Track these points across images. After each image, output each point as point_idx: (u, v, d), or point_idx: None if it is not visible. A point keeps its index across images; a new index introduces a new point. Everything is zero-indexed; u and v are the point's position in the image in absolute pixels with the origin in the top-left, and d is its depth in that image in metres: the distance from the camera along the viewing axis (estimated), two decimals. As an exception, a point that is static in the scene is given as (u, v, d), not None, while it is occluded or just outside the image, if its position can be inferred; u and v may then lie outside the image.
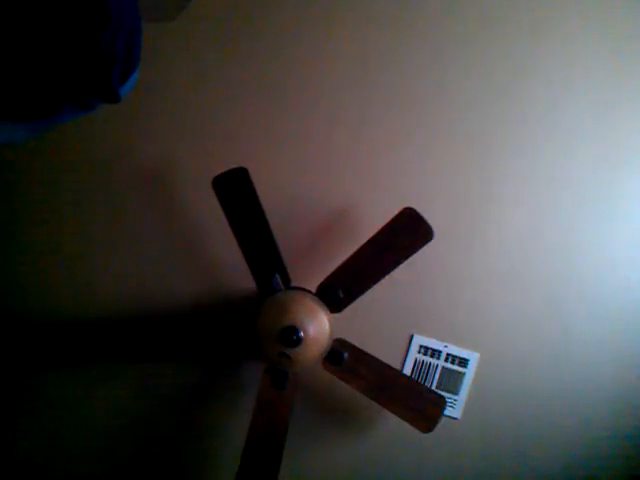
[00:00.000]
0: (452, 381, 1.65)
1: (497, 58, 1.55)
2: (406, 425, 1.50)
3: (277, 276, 1.43)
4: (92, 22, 0.59)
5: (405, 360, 1.66)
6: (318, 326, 1.38)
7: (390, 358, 1.54)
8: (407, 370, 1.66)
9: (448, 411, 1.63)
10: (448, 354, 1.64)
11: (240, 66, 1.57)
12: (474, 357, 1.64)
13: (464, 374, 1.65)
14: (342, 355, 1.46)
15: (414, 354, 1.65)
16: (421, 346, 1.65)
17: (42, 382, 1.70)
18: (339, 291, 1.44)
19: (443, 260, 1.61)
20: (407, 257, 1.41)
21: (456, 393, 1.66)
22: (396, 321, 1.65)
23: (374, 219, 1.46)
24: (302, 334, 1.34)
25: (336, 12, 1.54)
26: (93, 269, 1.65)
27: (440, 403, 1.50)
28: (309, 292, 1.48)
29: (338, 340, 1.48)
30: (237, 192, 1.39)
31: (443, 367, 1.65)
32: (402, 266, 1.42)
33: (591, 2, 1.52)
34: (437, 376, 1.65)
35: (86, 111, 0.69)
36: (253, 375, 1.63)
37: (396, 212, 1.40)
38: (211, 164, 1.43)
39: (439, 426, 1.50)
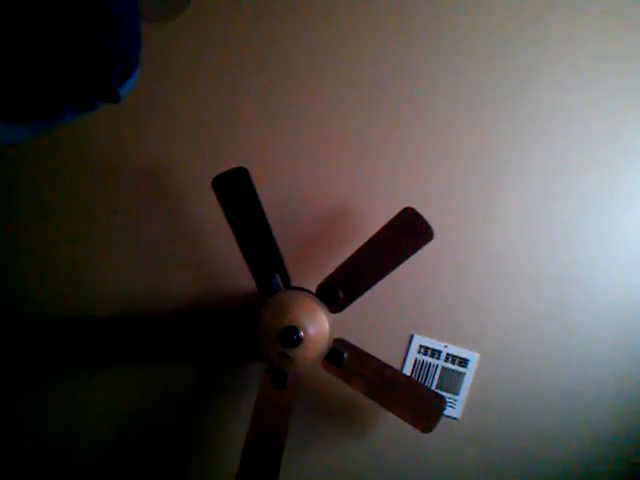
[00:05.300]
0: (452, 381, 1.65)
1: (499, 59, 1.55)
2: (406, 425, 1.50)
3: (277, 276, 1.43)
4: (93, 22, 0.59)
5: (405, 360, 1.66)
6: (318, 326, 1.38)
7: (390, 358, 1.54)
8: (407, 370, 1.66)
9: (448, 411, 1.63)
10: (448, 354, 1.64)
11: (240, 66, 1.57)
12: (474, 357, 1.64)
13: (464, 374, 1.65)
14: (342, 355, 1.46)
15: (414, 354, 1.65)
16: (421, 346, 1.65)
17: (41, 383, 1.70)
18: (339, 291, 1.44)
19: (443, 260, 1.61)
20: (407, 257, 1.41)
21: (456, 393, 1.66)
22: (396, 321, 1.65)
23: (374, 219, 1.46)
24: (302, 334, 1.34)
25: (336, 11, 1.54)
26: (93, 269, 1.65)
27: (440, 403, 1.50)
28: (309, 292, 1.48)
29: (338, 340, 1.48)
30: (237, 192, 1.38)
31: (443, 367, 1.65)
32: (402, 266, 1.42)
33: (593, 3, 1.52)
34: (437, 376, 1.65)
35: (86, 111, 0.69)
36: (253, 375, 1.63)
37: (396, 212, 1.40)
38: (211, 164, 1.43)
39: (439, 426, 1.50)
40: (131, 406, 1.71)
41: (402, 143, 1.59)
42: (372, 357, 1.49)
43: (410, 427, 1.50)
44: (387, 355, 1.53)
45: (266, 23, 1.55)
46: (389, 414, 1.51)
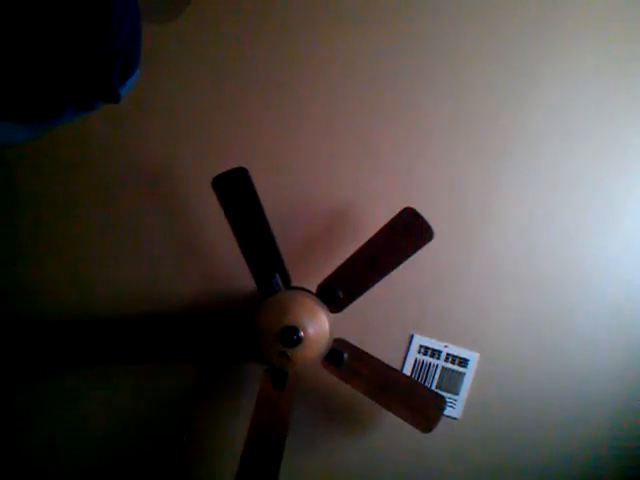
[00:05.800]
0: (452, 381, 1.65)
1: (499, 59, 1.55)
2: (406, 425, 1.50)
3: (277, 276, 1.43)
4: (93, 22, 0.59)
5: (405, 360, 1.66)
6: (318, 326, 1.38)
7: (390, 358, 1.55)
8: (407, 370, 1.66)
9: (448, 411, 1.63)
10: (448, 354, 1.65)
11: (240, 66, 1.57)
12: (474, 357, 1.64)
13: (464, 374, 1.65)
14: (342, 355, 1.46)
15: (414, 354, 1.65)
16: (421, 346, 1.65)
17: (41, 383, 1.70)
18: (339, 291, 1.44)
19: (443, 260, 1.61)
20: (407, 257, 1.41)
21: (456, 393, 1.66)
22: (396, 321, 1.65)
23: (374, 219, 1.46)
24: (302, 334, 1.34)
25: (337, 12, 1.54)
26: (93, 270, 1.65)
27: (440, 403, 1.50)
28: (309, 292, 1.48)
29: (338, 340, 1.48)
30: (237, 192, 1.39)
31: (443, 367, 1.65)
32: (402, 266, 1.42)
33: (595, 4, 1.52)
34: (437, 376, 1.65)
35: (87, 111, 0.69)
36: (253, 375, 1.63)
37: (396, 212, 1.40)
38: (211, 164, 1.43)
39: (439, 426, 1.50)
40: (131, 407, 1.71)
41: (403, 143, 1.59)
42: (372, 357, 1.49)
43: (410, 427, 1.50)
44: (387, 355, 1.53)
45: (266, 23, 1.55)
46: (389, 414, 1.51)
